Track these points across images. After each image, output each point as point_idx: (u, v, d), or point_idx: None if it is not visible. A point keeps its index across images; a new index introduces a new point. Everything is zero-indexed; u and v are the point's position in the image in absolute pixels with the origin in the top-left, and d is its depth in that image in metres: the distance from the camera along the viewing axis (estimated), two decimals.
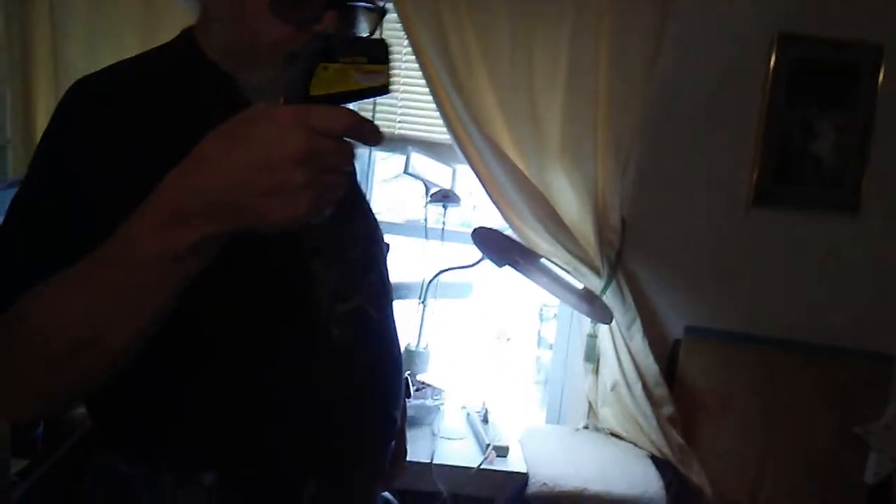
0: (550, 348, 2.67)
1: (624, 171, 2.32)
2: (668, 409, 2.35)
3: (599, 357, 2.41)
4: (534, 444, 2.28)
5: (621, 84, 2.27)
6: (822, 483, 2.42)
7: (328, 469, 0.95)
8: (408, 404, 2.25)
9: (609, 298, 2.32)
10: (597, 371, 2.43)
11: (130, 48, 2.14)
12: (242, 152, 0.61)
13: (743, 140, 2.39)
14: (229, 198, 0.62)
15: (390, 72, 0.65)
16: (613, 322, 2.33)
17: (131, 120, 0.84)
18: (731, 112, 2.39)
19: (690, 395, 2.42)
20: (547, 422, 2.58)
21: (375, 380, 1.01)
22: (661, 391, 2.36)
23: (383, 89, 0.65)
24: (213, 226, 0.63)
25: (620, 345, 2.35)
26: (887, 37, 2.34)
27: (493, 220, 2.36)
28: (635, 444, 2.36)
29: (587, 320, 2.39)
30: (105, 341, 0.69)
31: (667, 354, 2.45)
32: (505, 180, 2.29)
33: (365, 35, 0.68)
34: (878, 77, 2.35)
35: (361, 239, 1.06)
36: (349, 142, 0.62)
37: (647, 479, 2.14)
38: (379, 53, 0.65)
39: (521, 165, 2.30)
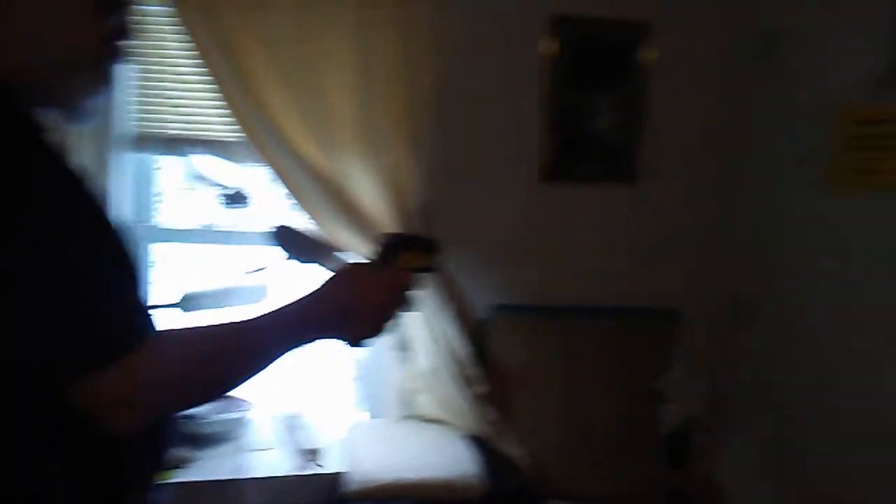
0: None
1: (421, 156, 2.32)
2: (481, 388, 2.40)
3: (412, 345, 2.41)
4: (353, 441, 2.25)
5: (411, 69, 2.26)
6: (629, 436, 2.56)
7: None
8: (212, 420, 2.15)
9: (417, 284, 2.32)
10: (411, 359, 2.42)
11: None
12: (356, 298, 0.98)
13: (529, 121, 2.46)
14: (342, 323, 0.98)
15: (438, 258, 1.07)
16: (422, 307, 2.34)
17: None
18: (516, 95, 2.45)
19: (503, 370, 2.47)
20: (369, 417, 2.55)
21: None
22: (473, 371, 2.39)
23: (434, 269, 1.07)
24: (327, 335, 0.99)
25: (431, 330, 2.36)
26: (654, 15, 2.48)
27: (293, 217, 2.28)
28: (454, 427, 2.38)
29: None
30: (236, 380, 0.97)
31: (477, 334, 2.49)
32: (300, 174, 2.22)
33: (426, 236, 1.10)
34: (648, 54, 2.50)
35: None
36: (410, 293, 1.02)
37: (464, 460, 2.16)
38: (435, 247, 1.07)
39: (315, 157, 2.24)
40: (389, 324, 1.01)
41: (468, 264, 2.48)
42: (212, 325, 0.96)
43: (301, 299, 0.99)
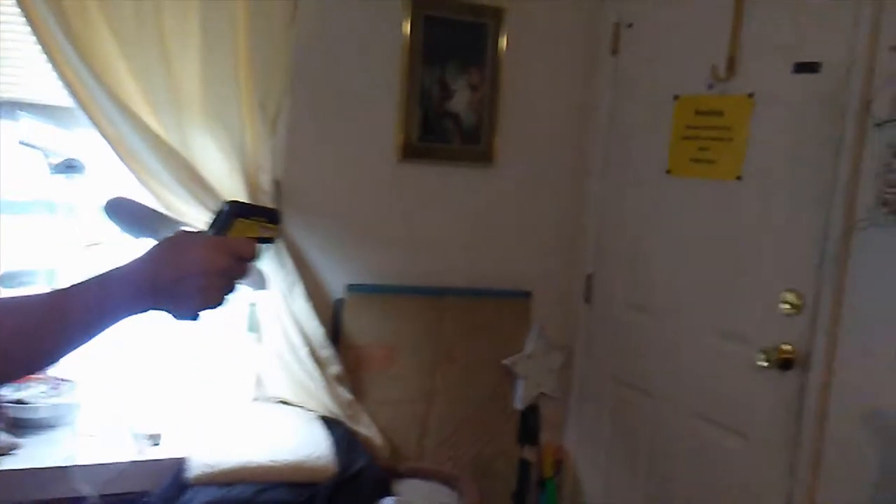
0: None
1: (273, 132, 2.25)
2: (335, 369, 2.36)
3: (262, 325, 2.33)
4: (197, 425, 2.15)
5: (262, 43, 2.19)
6: (482, 413, 2.63)
7: None
8: (39, 404, 2.00)
9: (267, 263, 2.25)
10: (261, 340, 2.35)
11: None
12: (189, 262, 0.90)
13: (387, 99, 2.44)
14: (174, 289, 0.90)
15: (278, 229, 1.02)
16: (274, 288, 2.28)
17: None
18: (374, 73, 2.42)
19: (357, 350, 2.46)
20: (214, 399, 2.44)
21: None
22: (327, 352, 2.35)
23: (274, 240, 1.03)
24: (157, 304, 0.91)
25: (283, 310, 2.29)
26: (507, 0, 2.52)
27: (131, 190, 2.14)
28: (306, 409, 2.33)
29: (247, 289, 2.30)
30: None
31: (331, 314, 2.45)
32: (140, 145, 2.08)
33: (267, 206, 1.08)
34: (501, 38, 2.53)
35: None
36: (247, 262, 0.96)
37: (315, 441, 2.12)
38: (274, 217, 1.02)
39: (157, 127, 2.11)
40: (224, 295, 0.95)
41: (323, 242, 2.43)
42: (31, 295, 0.89)
43: (128, 264, 0.92)
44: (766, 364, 1.95)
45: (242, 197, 2.21)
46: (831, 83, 1.82)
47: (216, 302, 0.94)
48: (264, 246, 1.03)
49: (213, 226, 0.98)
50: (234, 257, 0.93)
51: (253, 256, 0.96)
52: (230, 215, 0.98)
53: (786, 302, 1.93)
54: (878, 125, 1.69)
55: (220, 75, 2.14)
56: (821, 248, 1.84)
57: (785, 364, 1.92)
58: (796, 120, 1.92)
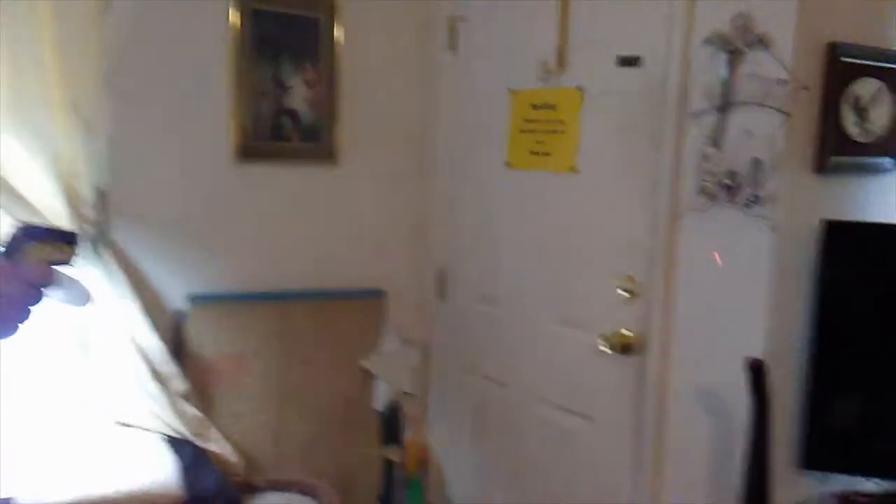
0: None
1: (89, 135, 2.09)
2: (179, 385, 2.23)
3: (94, 345, 2.17)
4: (23, 458, 1.97)
5: (70, 37, 2.02)
6: (342, 417, 2.57)
7: None
8: None
9: (94, 278, 2.09)
10: (93, 359, 2.18)
11: None
12: None
13: (219, 97, 2.33)
14: None
15: (75, 251, 0.96)
16: (104, 303, 2.12)
17: None
18: (203, 68, 2.30)
19: (204, 363, 2.34)
20: (42, 428, 2.25)
21: None
22: (168, 367, 2.22)
23: (70, 262, 0.96)
24: None
25: (115, 327, 2.14)
26: None
27: None
28: (149, 431, 2.19)
29: (69, 307, 2.12)
30: None
31: (172, 327, 2.32)
32: None
33: (62, 228, 1.03)
34: (337, 33, 2.46)
35: None
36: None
37: (158, 465, 2.00)
38: (70, 239, 0.96)
39: None
40: (17, 323, 0.92)
41: (158, 251, 2.29)
42: None
43: None
44: (607, 349, 2.01)
45: (61, 207, 2.05)
46: (652, 76, 1.89)
47: (8, 331, 0.91)
48: (65, 268, 0.99)
49: (7, 248, 0.94)
50: (27, 284, 0.91)
51: (48, 281, 0.93)
52: (21, 240, 0.94)
53: (623, 288, 2.00)
54: (695, 116, 1.77)
55: (24, 74, 1.96)
56: (651, 236, 1.92)
57: (625, 348, 1.99)
58: (623, 112, 1.98)
